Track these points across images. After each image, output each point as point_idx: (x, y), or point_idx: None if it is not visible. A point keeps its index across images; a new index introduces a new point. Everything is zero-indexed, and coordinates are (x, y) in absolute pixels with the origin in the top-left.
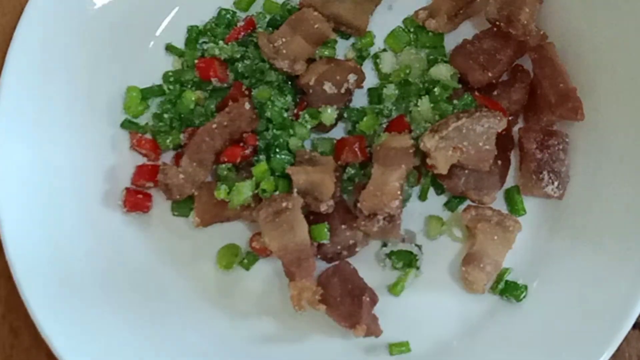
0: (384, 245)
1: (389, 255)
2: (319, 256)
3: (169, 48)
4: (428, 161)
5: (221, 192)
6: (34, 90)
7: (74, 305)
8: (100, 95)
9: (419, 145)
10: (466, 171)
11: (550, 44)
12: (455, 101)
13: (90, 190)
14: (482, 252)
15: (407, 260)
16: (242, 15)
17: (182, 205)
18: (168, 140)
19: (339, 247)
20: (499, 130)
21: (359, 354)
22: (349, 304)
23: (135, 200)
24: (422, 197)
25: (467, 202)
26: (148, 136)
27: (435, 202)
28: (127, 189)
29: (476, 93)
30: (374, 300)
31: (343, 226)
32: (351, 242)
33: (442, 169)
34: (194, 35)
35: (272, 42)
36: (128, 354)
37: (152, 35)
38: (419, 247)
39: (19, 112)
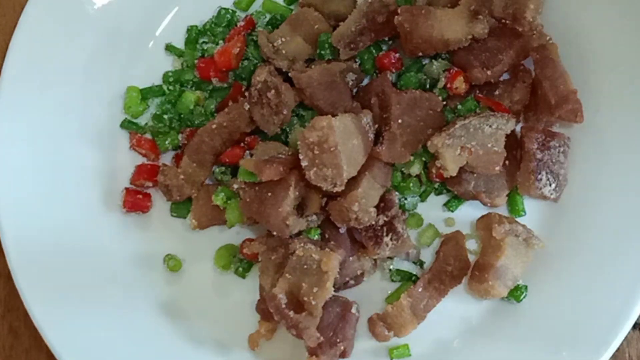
0: (390, 258)
1: (391, 269)
2: None
3: (169, 48)
4: (437, 163)
5: (218, 199)
6: (33, 89)
7: (73, 306)
8: (100, 95)
9: (427, 146)
10: (475, 175)
11: (553, 45)
12: (459, 106)
13: (90, 190)
14: (506, 267)
15: (407, 276)
16: (241, 15)
17: (181, 207)
18: (167, 142)
19: (347, 278)
20: (508, 132)
21: (359, 355)
22: (326, 336)
23: (135, 201)
24: (423, 197)
25: (466, 203)
26: (148, 136)
27: (435, 202)
28: (126, 189)
29: (478, 94)
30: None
31: (351, 258)
32: (359, 272)
33: (452, 170)
34: (194, 35)
35: (271, 41)
36: (127, 353)
37: (152, 35)
38: (422, 263)
39: (19, 112)
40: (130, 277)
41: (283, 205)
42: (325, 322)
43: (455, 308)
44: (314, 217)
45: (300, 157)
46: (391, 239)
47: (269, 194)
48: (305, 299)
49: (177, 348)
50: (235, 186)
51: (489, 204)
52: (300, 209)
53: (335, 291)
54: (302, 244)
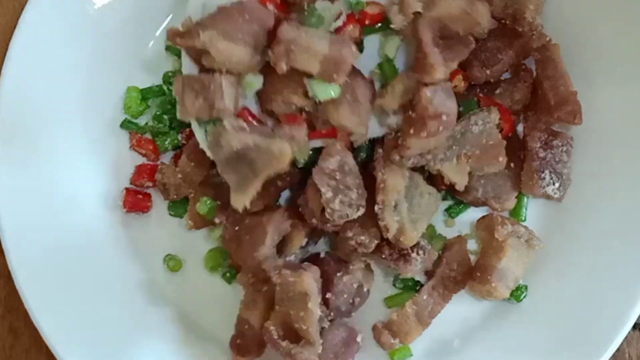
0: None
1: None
2: (331, 313)
3: (169, 48)
4: (446, 181)
5: (203, 208)
6: (33, 90)
7: (73, 306)
8: (100, 95)
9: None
10: (482, 181)
11: (554, 45)
12: (460, 107)
13: (90, 190)
14: (508, 268)
15: (412, 284)
16: None
17: (178, 206)
18: (167, 142)
19: (345, 296)
20: (496, 122)
21: (359, 355)
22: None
23: (135, 201)
24: None
25: (469, 209)
26: (148, 136)
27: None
28: (126, 189)
29: (479, 94)
30: None
31: (338, 274)
32: (355, 284)
33: (461, 183)
34: None
35: None
36: (127, 353)
37: (152, 35)
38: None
39: (19, 112)
40: (130, 277)
41: (259, 250)
42: (330, 342)
43: (456, 308)
44: (292, 257)
45: (322, 190)
46: (417, 254)
47: (247, 236)
48: (297, 325)
49: (177, 348)
50: (217, 221)
51: (499, 209)
52: (282, 246)
53: (346, 316)
54: (277, 271)
